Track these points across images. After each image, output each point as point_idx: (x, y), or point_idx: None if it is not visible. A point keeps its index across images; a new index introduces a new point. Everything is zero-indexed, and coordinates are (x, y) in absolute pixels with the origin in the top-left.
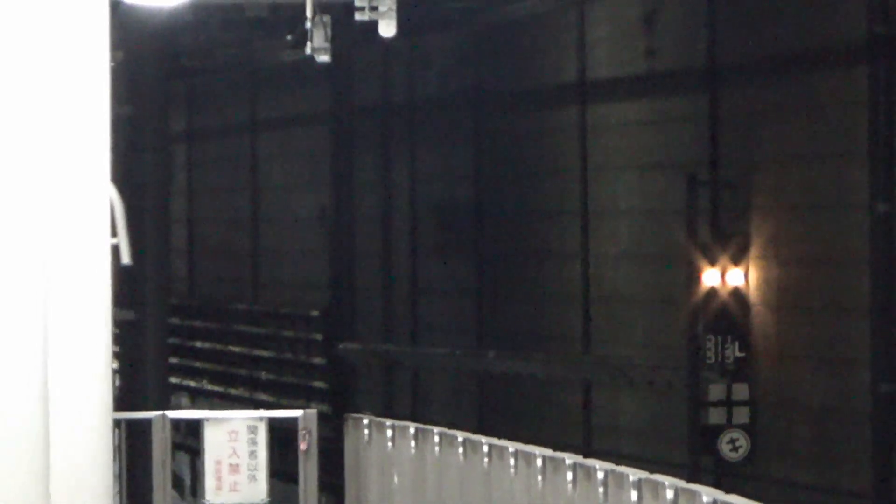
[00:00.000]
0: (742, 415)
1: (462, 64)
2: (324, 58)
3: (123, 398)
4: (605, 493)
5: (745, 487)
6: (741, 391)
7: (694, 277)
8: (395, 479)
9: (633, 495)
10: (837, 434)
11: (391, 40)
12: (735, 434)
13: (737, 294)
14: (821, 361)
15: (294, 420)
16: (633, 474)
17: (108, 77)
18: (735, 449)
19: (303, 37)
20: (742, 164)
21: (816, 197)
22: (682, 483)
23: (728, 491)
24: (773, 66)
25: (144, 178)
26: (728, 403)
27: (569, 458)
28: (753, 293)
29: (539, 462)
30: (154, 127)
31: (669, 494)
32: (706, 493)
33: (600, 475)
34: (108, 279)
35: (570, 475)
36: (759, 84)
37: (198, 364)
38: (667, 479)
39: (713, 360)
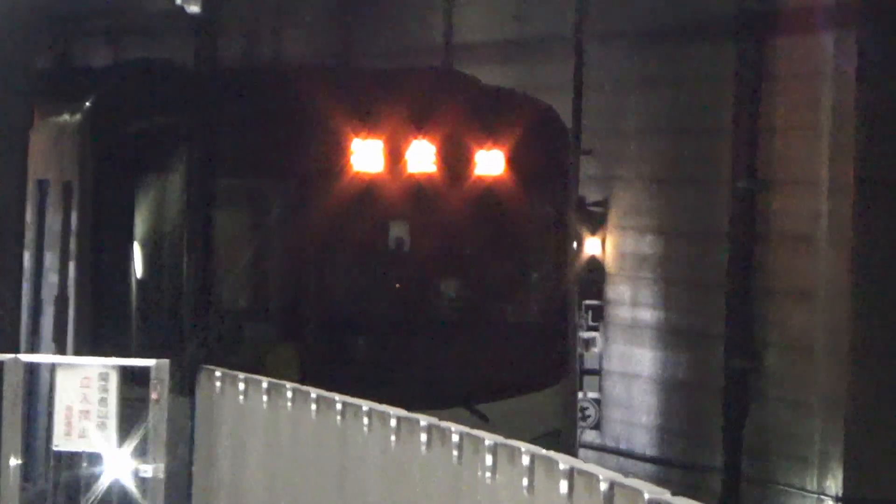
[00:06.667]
0: (592, 385)
1: (330, 22)
2: (193, 8)
3: None
4: (460, 455)
5: (594, 458)
6: (592, 360)
7: None
8: (248, 433)
9: (489, 459)
10: (689, 408)
11: None
12: (584, 404)
13: (593, 263)
14: (674, 334)
15: None
16: (489, 438)
17: None
18: (584, 418)
19: None
20: (605, 135)
21: (678, 170)
22: (539, 450)
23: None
24: (641, 37)
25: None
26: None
27: (423, 420)
28: (610, 263)
29: (393, 422)
30: (16, 72)
31: (525, 461)
32: (563, 460)
33: (455, 438)
34: None
35: (424, 437)
36: (627, 55)
37: None
38: (523, 446)
39: None
